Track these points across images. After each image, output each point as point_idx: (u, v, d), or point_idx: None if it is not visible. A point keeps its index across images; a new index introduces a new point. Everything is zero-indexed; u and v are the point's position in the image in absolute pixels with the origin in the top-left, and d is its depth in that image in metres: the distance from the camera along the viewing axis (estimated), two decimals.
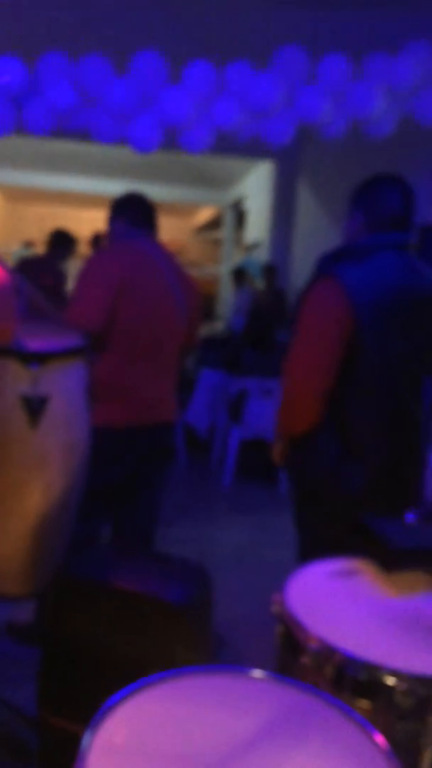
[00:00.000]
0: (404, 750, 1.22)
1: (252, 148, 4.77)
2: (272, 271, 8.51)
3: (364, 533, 1.45)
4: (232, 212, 12.15)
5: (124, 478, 2.66)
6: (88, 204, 12.29)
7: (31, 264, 5.12)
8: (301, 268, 8.75)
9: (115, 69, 4.02)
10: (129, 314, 2.49)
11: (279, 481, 5.21)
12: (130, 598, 1.94)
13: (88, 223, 13.10)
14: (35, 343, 2.01)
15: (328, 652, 1.21)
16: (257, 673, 1.14)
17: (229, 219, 12.32)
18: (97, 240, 7.82)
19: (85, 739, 1.00)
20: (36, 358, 1.96)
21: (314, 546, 2.08)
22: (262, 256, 9.33)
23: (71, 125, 4.11)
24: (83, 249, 12.58)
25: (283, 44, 4.03)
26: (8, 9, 4.05)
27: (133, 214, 2.69)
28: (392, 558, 1.40)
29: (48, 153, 8.93)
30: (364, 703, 1.20)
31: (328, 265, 2.05)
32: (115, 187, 11.81)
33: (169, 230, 14.25)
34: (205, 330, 9.84)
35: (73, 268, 4.77)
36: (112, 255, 2.60)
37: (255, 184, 10.06)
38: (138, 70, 3.98)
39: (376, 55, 3.99)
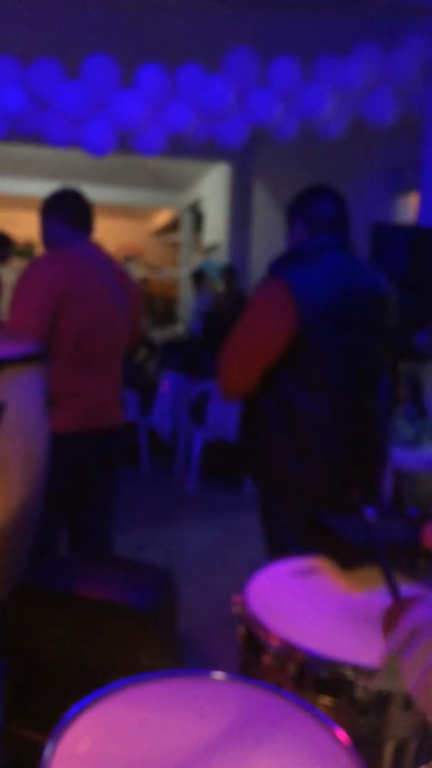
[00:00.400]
0: (367, 744, 1.24)
1: (208, 151, 4.80)
2: (232, 272, 8.53)
3: (321, 532, 1.46)
4: (190, 215, 12.16)
5: (75, 485, 2.63)
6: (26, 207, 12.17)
7: None
8: (259, 269, 8.77)
9: (66, 73, 3.99)
10: (71, 323, 2.45)
11: (243, 482, 5.23)
12: (93, 605, 1.94)
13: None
14: None
15: (289, 650, 1.22)
16: (218, 675, 1.14)
17: (187, 221, 12.32)
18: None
19: (47, 749, 0.99)
20: None
21: (280, 543, 2.15)
22: (220, 258, 9.36)
23: (24, 129, 4.07)
24: (40, 254, 12.49)
25: (234, 47, 4.05)
26: None
27: (69, 214, 2.62)
28: (349, 555, 1.42)
29: (7, 157, 8.83)
30: (326, 700, 1.22)
31: (277, 267, 2.16)
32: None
33: (128, 233, 14.25)
34: (165, 333, 9.84)
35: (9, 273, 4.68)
36: (51, 263, 2.54)
37: (212, 187, 10.09)
38: (90, 73, 3.96)
39: (325, 57, 4.04)
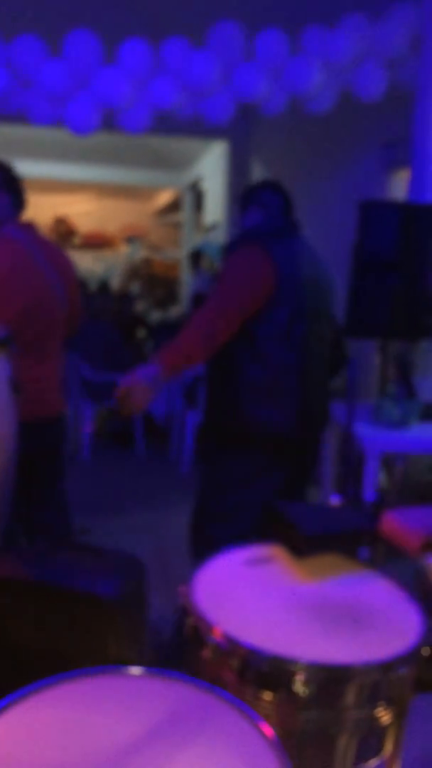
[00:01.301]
0: (316, 740, 1.20)
1: (205, 129, 4.68)
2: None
3: (275, 518, 1.42)
4: (190, 194, 12.03)
5: (20, 477, 2.56)
6: (46, 189, 12.09)
7: None
8: None
9: (48, 50, 3.91)
10: (6, 312, 2.37)
11: None
12: (56, 593, 1.91)
13: (49, 209, 12.92)
14: None
15: (230, 644, 1.18)
16: (140, 670, 1.11)
17: (187, 201, 12.20)
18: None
19: None
20: None
21: (242, 496, 2.44)
22: (219, 237, 9.26)
23: (6, 108, 4.00)
24: (47, 235, 12.45)
25: (219, 21, 3.95)
26: None
27: (11, 191, 2.55)
28: (302, 543, 1.38)
29: (3, 137, 8.73)
30: (268, 695, 1.18)
31: (248, 240, 2.43)
32: (73, 172, 11.59)
33: (131, 214, 14.16)
34: (163, 315, 9.77)
35: None
36: (23, 256, 2.45)
37: (211, 165, 9.97)
38: (72, 50, 3.88)
39: (312, 29, 3.93)
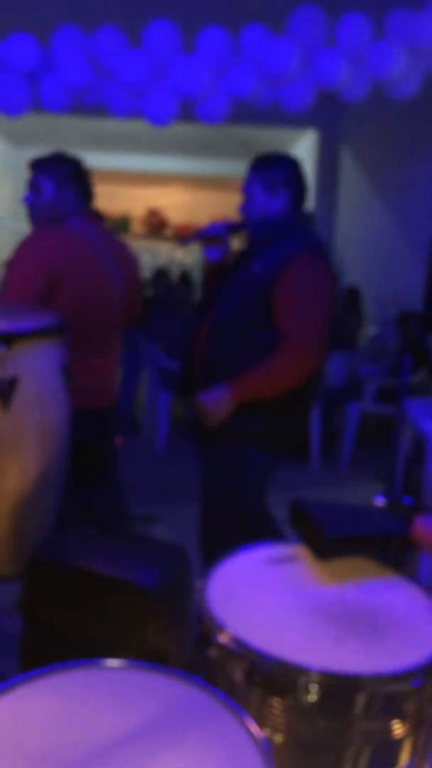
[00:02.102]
0: (324, 750, 1.16)
1: (294, 118, 4.60)
2: None
3: (300, 517, 1.38)
4: None
5: (75, 463, 2.59)
6: (139, 182, 12.29)
7: None
8: (345, 238, 8.53)
9: (128, 41, 3.94)
10: (65, 301, 2.41)
11: (311, 456, 5.14)
12: (99, 581, 1.93)
13: (142, 201, 13.13)
14: (2, 323, 1.99)
15: (238, 646, 1.15)
16: (147, 666, 1.10)
17: None
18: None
19: None
20: (2, 339, 1.94)
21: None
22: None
23: (87, 101, 4.07)
24: (136, 228, 12.65)
25: (300, 7, 3.87)
26: None
27: (80, 185, 2.57)
28: (325, 544, 1.33)
29: (99, 132, 8.92)
30: (275, 701, 1.15)
31: (282, 236, 2.25)
32: (169, 164, 11.73)
33: (222, 206, 14.17)
34: None
35: None
36: (46, 241, 2.47)
37: (300, 155, 9.85)
38: (151, 40, 3.90)
39: (396, 13, 3.79)
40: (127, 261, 2.68)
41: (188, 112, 4.12)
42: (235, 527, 2.45)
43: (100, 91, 4.04)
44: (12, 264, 2.46)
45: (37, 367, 2.06)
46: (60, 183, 2.52)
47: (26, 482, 2.11)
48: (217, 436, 2.36)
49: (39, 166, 2.54)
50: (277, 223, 2.29)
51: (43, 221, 2.55)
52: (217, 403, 2.26)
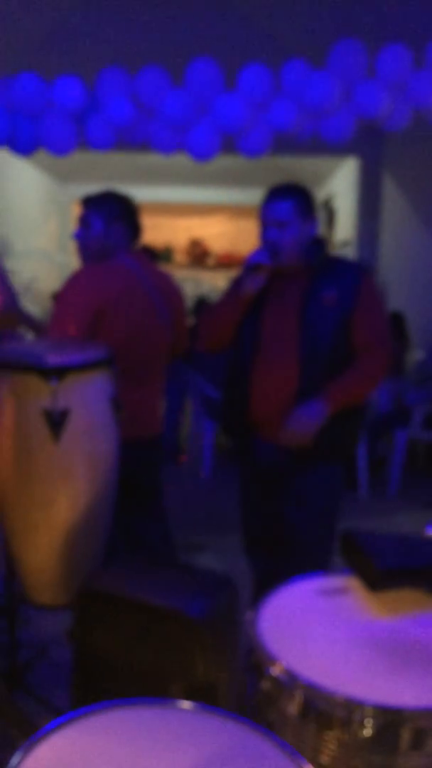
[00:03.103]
0: None
1: (335, 147, 4.62)
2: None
3: (352, 548, 1.38)
4: (322, 212, 11.97)
5: (122, 492, 2.62)
6: (181, 213, 12.46)
7: None
8: (389, 264, 8.50)
9: (171, 80, 4.04)
10: (111, 336, 2.46)
11: (359, 484, 5.09)
12: (149, 611, 1.94)
13: (184, 231, 13.31)
14: (55, 357, 2.05)
15: (290, 679, 1.15)
16: (188, 704, 1.10)
17: (320, 218, 12.15)
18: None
19: (14, 760, 0.99)
20: (55, 372, 2.00)
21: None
22: (351, 254, 9.14)
23: (131, 138, 4.17)
24: (179, 258, 12.82)
25: (340, 39, 3.92)
26: (65, 29, 4.17)
27: (129, 221, 2.64)
28: (378, 576, 1.32)
29: (141, 165, 9.10)
30: (328, 734, 1.14)
31: (352, 261, 2.62)
32: (211, 195, 11.88)
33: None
34: None
35: None
36: (94, 277, 2.54)
37: (343, 182, 9.88)
38: (193, 78, 3.99)
39: None
40: (172, 295, 2.74)
41: (230, 146, 4.19)
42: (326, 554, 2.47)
43: (144, 128, 4.13)
44: (61, 297, 2.53)
45: (87, 399, 2.11)
46: (109, 220, 2.59)
47: (76, 513, 2.15)
48: (312, 455, 2.42)
49: (89, 203, 2.62)
50: (318, 248, 2.47)
51: (92, 256, 2.62)
52: (316, 414, 2.35)
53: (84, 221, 2.61)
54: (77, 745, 1.01)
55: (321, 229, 12.22)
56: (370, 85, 3.93)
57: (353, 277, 2.41)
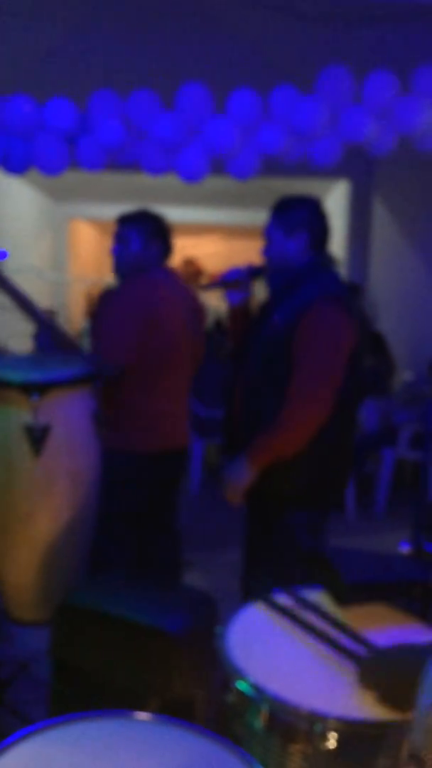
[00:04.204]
0: None
1: (326, 169, 4.68)
2: (356, 290, 8.33)
3: (320, 564, 1.40)
4: None
5: (146, 505, 2.68)
6: (176, 232, 12.54)
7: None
8: (378, 285, 8.58)
9: (162, 103, 4.11)
10: (153, 349, 2.53)
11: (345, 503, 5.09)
12: (127, 627, 1.95)
13: (178, 250, 13.38)
14: (36, 372, 2.07)
15: (257, 693, 1.17)
16: (153, 718, 1.11)
17: None
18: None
19: None
20: (36, 388, 2.02)
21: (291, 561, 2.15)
22: (341, 275, 9.22)
23: (122, 159, 4.23)
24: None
25: (328, 65, 4.00)
26: (58, 52, 4.24)
27: (165, 239, 2.71)
28: (345, 591, 1.34)
29: (137, 186, 9.19)
30: (294, 748, 1.15)
31: (318, 286, 2.15)
32: (204, 215, 11.97)
33: (257, 254, 14.38)
34: None
35: None
36: (146, 291, 2.59)
37: (333, 205, 9.99)
38: (184, 102, 4.06)
39: (422, 68, 3.90)
40: (198, 310, 2.80)
41: (219, 168, 4.25)
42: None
43: (135, 149, 4.20)
44: (107, 315, 2.57)
45: (69, 415, 2.13)
46: (147, 237, 2.64)
47: (57, 529, 2.17)
48: (260, 499, 2.26)
49: (127, 220, 2.68)
50: (296, 267, 2.23)
51: (128, 272, 2.67)
52: (237, 474, 2.18)
53: (121, 238, 2.67)
54: (39, 758, 1.03)
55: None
56: (357, 111, 4.01)
57: (302, 304, 2.12)
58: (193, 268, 13.28)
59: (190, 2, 4.11)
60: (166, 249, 2.73)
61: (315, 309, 2.09)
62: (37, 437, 2.05)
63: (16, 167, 4.27)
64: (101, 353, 2.46)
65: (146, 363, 2.53)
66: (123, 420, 2.55)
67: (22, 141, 4.15)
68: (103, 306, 2.62)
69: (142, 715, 1.13)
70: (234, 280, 2.37)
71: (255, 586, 2.14)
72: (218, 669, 2.11)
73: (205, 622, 2.02)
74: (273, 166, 4.46)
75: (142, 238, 2.64)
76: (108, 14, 4.28)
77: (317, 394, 2.08)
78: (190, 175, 4.17)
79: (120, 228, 2.68)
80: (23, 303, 2.54)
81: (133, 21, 4.30)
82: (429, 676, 1.04)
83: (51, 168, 4.22)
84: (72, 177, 5.00)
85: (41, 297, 10.01)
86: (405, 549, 1.47)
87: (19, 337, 8.51)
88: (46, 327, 2.64)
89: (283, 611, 1.37)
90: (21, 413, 2.04)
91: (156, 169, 4.21)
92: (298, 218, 2.21)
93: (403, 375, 6.92)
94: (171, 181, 7.39)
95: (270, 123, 4.07)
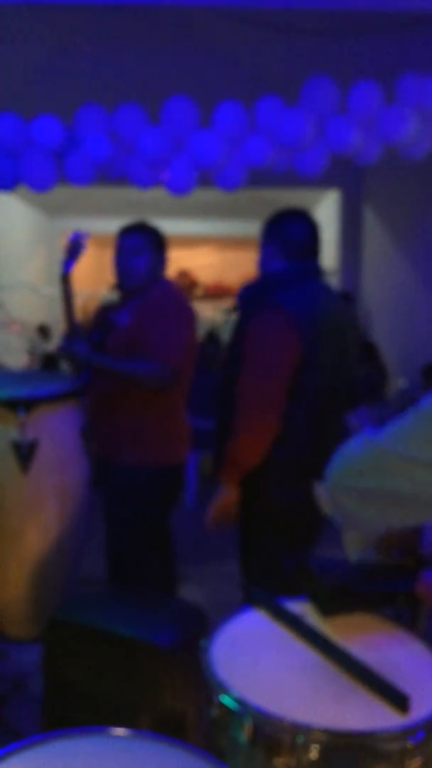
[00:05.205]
0: None
1: (316, 179, 4.68)
2: (347, 298, 8.38)
3: (305, 575, 1.40)
4: None
5: (139, 520, 2.65)
6: (170, 244, 12.58)
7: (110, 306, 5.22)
8: (371, 293, 8.61)
9: (148, 117, 4.14)
10: (190, 362, 2.58)
11: None
12: (118, 642, 1.94)
13: (172, 263, 13.41)
14: (22, 388, 2.08)
15: (240, 706, 1.17)
16: (129, 732, 1.11)
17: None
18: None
19: None
20: (23, 404, 2.03)
21: (269, 568, 2.15)
22: (334, 284, 9.26)
23: (110, 174, 4.25)
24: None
25: (312, 76, 4.03)
26: (43, 69, 4.27)
27: (162, 253, 2.69)
28: (330, 601, 1.34)
29: (130, 199, 9.23)
30: (278, 761, 1.15)
31: (267, 294, 2.13)
32: (197, 227, 12.03)
33: (250, 265, 14.44)
34: None
35: None
36: (181, 299, 2.66)
37: (325, 214, 10.04)
38: (170, 116, 4.08)
39: (407, 78, 3.93)
40: (194, 322, 2.74)
41: (207, 180, 4.27)
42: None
43: (122, 164, 4.22)
44: (168, 324, 2.51)
45: (56, 430, 2.14)
46: (156, 249, 2.63)
47: (45, 545, 2.17)
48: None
49: (136, 231, 2.64)
50: (266, 277, 2.23)
51: (140, 284, 2.61)
52: (217, 497, 2.18)
53: (133, 249, 2.60)
54: None
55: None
56: (342, 121, 4.04)
57: (253, 315, 2.11)
58: (187, 280, 13.32)
59: (174, 16, 4.15)
60: (164, 261, 2.71)
61: (255, 319, 2.10)
62: (25, 453, 2.05)
63: (5, 184, 4.29)
64: (159, 359, 2.40)
65: (187, 371, 2.54)
66: (154, 429, 2.52)
67: (10, 159, 4.17)
68: (144, 314, 2.51)
69: (125, 732, 1.12)
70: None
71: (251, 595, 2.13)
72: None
73: (195, 635, 2.02)
74: (264, 178, 4.49)
75: (153, 249, 2.62)
76: (92, 30, 4.30)
77: (251, 401, 2.07)
78: (178, 189, 4.19)
79: (129, 239, 2.62)
80: (70, 310, 2.52)
81: (118, 36, 4.33)
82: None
83: (40, 184, 4.24)
84: (65, 192, 5.02)
85: (36, 312, 10.04)
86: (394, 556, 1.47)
87: (14, 353, 8.52)
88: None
89: (270, 621, 1.37)
90: (8, 429, 2.04)
91: (144, 183, 4.23)
92: (273, 229, 2.22)
93: (397, 382, 6.93)
94: (161, 194, 7.43)
95: (256, 135, 4.09)
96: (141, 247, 2.58)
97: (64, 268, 2.52)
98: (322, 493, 1.29)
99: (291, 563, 2.08)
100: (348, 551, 1.37)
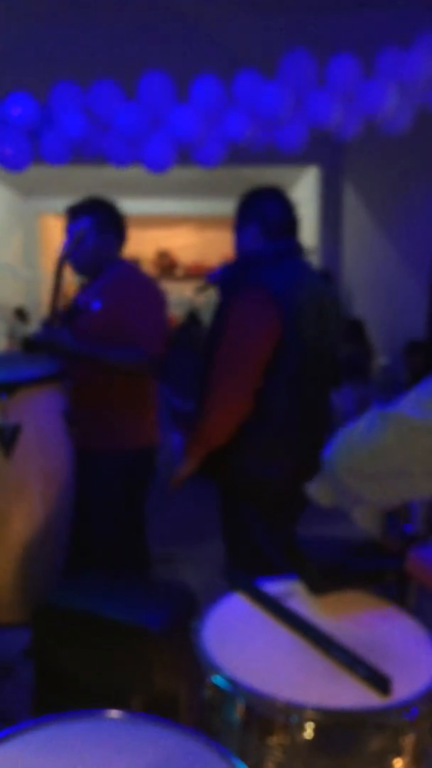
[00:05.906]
0: None
1: (296, 156, 4.61)
2: (327, 276, 8.38)
3: (294, 553, 1.39)
4: None
5: (113, 503, 2.62)
6: (147, 225, 12.47)
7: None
8: (351, 270, 8.59)
9: (124, 93, 4.06)
10: (163, 343, 2.49)
11: None
12: (106, 625, 1.93)
13: (152, 243, 13.32)
14: (3, 372, 2.04)
15: (232, 686, 1.16)
16: (122, 714, 1.10)
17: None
18: None
19: None
20: (4, 388, 1.99)
21: (250, 545, 2.21)
22: (314, 262, 9.23)
23: (86, 152, 4.18)
24: (147, 269, 12.82)
25: (290, 49, 3.97)
26: (15, 46, 4.17)
27: (116, 230, 2.59)
28: (320, 579, 1.33)
29: (107, 178, 9.11)
30: (271, 740, 1.14)
31: (247, 272, 2.11)
32: (176, 206, 11.93)
33: (231, 245, 14.34)
34: None
35: None
36: (157, 289, 2.54)
37: (304, 192, 9.98)
38: (146, 91, 4.01)
39: (385, 51, 3.88)
40: (165, 301, 2.63)
41: (186, 157, 4.22)
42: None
43: (99, 142, 4.15)
44: (143, 308, 2.43)
45: (39, 414, 2.09)
46: (100, 229, 2.48)
47: (31, 529, 2.14)
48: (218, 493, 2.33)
49: (76, 212, 2.51)
50: (246, 257, 2.20)
51: (86, 269, 2.52)
52: (181, 475, 2.33)
53: (72, 232, 2.44)
54: (20, 759, 1.01)
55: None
56: (321, 95, 3.99)
57: (234, 295, 2.11)
58: (167, 260, 13.22)
59: None
60: (120, 240, 2.59)
61: (236, 299, 2.09)
62: (8, 437, 2.01)
63: None
64: (142, 345, 2.34)
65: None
66: (130, 413, 2.50)
67: None
68: (111, 298, 2.41)
69: (117, 714, 1.11)
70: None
71: (230, 578, 2.13)
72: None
73: (185, 616, 2.01)
74: (241, 155, 4.44)
75: (95, 231, 2.46)
76: (64, 5, 4.21)
77: (224, 381, 2.07)
78: (156, 166, 4.12)
79: (69, 221, 2.49)
80: (57, 295, 2.39)
81: (91, 11, 4.24)
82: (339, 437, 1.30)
83: (14, 163, 4.16)
84: (40, 172, 4.93)
85: (15, 295, 9.92)
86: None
87: None
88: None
89: (259, 601, 1.36)
90: None
91: (121, 161, 4.17)
92: (249, 209, 2.20)
93: (380, 360, 6.95)
94: (140, 172, 7.35)
95: (234, 109, 4.03)
96: (86, 230, 2.40)
97: (66, 255, 2.37)
98: (316, 486, 1.30)
99: (271, 541, 2.13)
100: (362, 525, 1.38)
